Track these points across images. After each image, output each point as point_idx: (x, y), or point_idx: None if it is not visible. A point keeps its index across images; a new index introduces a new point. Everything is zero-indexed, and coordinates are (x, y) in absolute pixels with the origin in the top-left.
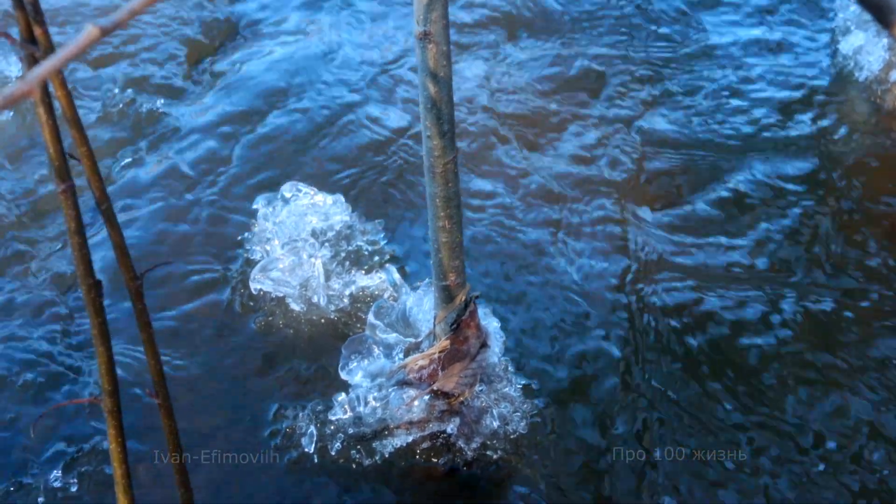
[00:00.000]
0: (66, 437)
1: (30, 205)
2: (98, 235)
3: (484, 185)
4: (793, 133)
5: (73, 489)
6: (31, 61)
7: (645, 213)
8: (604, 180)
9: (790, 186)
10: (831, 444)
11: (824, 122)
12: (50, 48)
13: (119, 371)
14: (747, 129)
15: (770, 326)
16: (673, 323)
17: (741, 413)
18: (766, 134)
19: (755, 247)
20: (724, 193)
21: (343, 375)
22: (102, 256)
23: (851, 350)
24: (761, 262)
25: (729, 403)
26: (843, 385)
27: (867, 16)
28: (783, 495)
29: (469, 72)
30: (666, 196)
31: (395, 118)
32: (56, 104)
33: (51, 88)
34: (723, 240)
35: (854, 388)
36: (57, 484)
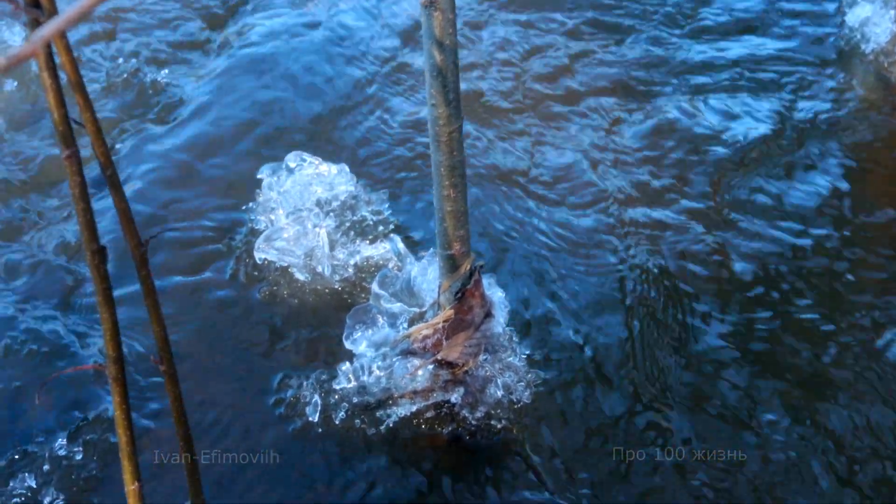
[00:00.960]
0: (70, 405)
1: (35, 172)
2: (103, 202)
3: (487, 153)
4: (798, 105)
5: (78, 457)
6: (35, 26)
7: (647, 187)
8: (601, 152)
9: (795, 159)
10: (836, 442)
11: (830, 95)
12: (53, 12)
13: (123, 338)
14: (752, 102)
15: (778, 314)
16: (679, 296)
17: (747, 398)
18: (770, 107)
19: (760, 226)
20: (727, 168)
21: (347, 345)
22: (107, 223)
23: (861, 346)
24: (769, 236)
25: (733, 385)
26: (851, 384)
27: None
28: (785, 494)
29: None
30: (667, 170)
31: (401, 89)
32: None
33: (57, 60)
34: (723, 217)
35: (860, 383)
36: (62, 452)
